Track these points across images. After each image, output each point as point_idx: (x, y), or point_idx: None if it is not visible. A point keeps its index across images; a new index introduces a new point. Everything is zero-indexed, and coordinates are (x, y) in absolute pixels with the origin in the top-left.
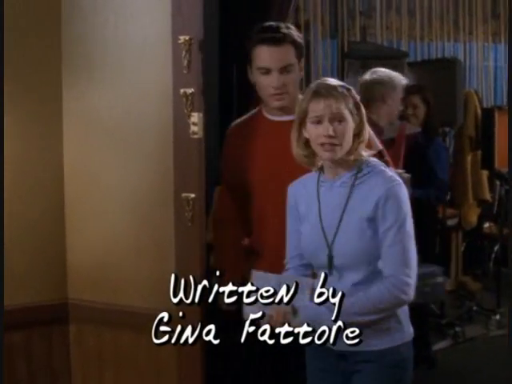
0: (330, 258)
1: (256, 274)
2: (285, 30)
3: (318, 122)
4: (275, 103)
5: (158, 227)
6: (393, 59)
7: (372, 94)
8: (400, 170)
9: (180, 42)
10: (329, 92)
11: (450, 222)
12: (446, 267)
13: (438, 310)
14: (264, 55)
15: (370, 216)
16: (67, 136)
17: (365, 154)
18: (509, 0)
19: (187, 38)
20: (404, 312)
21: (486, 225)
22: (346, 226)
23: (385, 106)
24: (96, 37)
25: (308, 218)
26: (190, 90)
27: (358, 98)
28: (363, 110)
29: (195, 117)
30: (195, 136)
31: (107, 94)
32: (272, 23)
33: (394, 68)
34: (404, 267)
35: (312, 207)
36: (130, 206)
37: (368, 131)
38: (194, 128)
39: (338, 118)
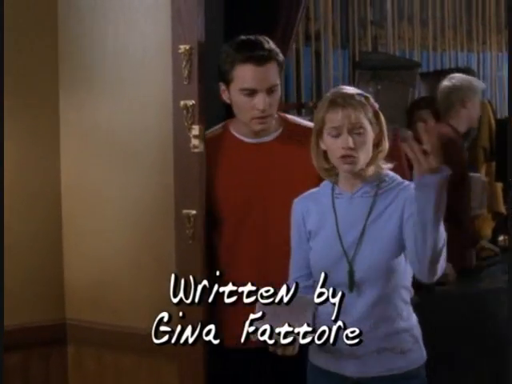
0: (351, 273)
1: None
2: (267, 46)
3: (337, 133)
4: (258, 127)
5: (159, 244)
6: (405, 69)
7: (451, 100)
8: (478, 174)
9: (180, 51)
10: (346, 101)
11: None
12: None
13: None
14: (249, 75)
15: (397, 223)
16: (64, 149)
17: (384, 166)
18: (508, 10)
19: (187, 47)
20: (419, 333)
21: (501, 238)
22: (370, 237)
23: (465, 111)
24: (94, 47)
25: (321, 232)
26: (190, 102)
27: (376, 106)
28: (383, 119)
29: (196, 130)
30: (196, 150)
31: (106, 106)
32: (251, 37)
33: (406, 78)
34: None
35: (326, 221)
36: (129, 222)
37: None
38: (194, 141)
39: (357, 129)
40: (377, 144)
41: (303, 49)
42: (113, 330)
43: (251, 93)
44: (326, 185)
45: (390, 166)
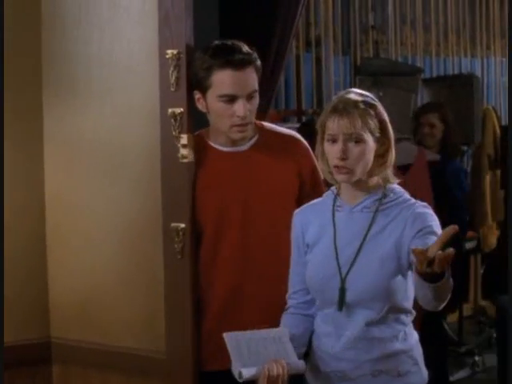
0: (343, 291)
1: (227, 336)
2: (245, 50)
3: (333, 140)
4: (238, 135)
5: (147, 260)
6: (407, 75)
7: None
8: None
9: (167, 56)
10: (346, 109)
11: (469, 245)
12: (464, 291)
13: (456, 338)
14: (228, 81)
15: (396, 243)
16: (48, 160)
17: (393, 180)
18: (509, 15)
19: (175, 52)
20: (419, 354)
21: None
22: (366, 255)
23: None
24: (79, 54)
25: (318, 245)
26: (178, 110)
27: (384, 115)
28: (390, 129)
29: (184, 139)
30: (185, 160)
31: (91, 115)
32: (226, 42)
33: (408, 85)
34: None
35: (325, 233)
36: (116, 236)
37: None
38: (183, 151)
39: (353, 139)
40: (382, 155)
41: (304, 55)
42: (100, 348)
43: (231, 99)
44: (328, 195)
45: (397, 180)
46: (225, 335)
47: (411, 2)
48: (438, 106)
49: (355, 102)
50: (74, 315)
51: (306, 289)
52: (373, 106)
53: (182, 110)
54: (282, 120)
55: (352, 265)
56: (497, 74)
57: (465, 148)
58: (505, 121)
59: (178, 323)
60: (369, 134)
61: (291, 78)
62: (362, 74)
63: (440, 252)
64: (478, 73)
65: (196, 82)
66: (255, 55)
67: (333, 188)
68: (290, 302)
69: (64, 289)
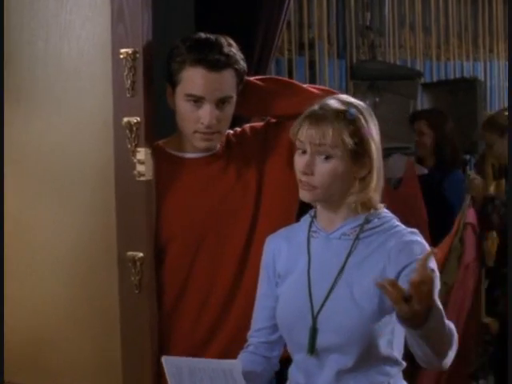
0: (314, 331)
1: (166, 360)
2: (226, 50)
3: (303, 151)
4: (202, 144)
5: (103, 294)
6: (405, 80)
7: None
8: None
9: (121, 56)
10: (318, 118)
11: None
12: None
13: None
14: (199, 81)
15: (377, 279)
16: None
17: (380, 205)
18: (508, 16)
19: (130, 51)
20: None
21: None
22: (341, 291)
23: None
24: (22, 54)
25: (291, 277)
26: (134, 119)
27: (367, 131)
28: (373, 149)
29: (142, 153)
30: (142, 178)
31: (36, 126)
32: (210, 37)
33: (406, 90)
34: None
35: (298, 262)
36: (66, 267)
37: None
38: (140, 168)
39: (323, 153)
40: (363, 178)
41: (296, 58)
42: None
43: (198, 101)
44: (305, 219)
45: (383, 205)
46: (163, 359)
47: (410, 2)
48: (427, 112)
49: (331, 111)
50: (21, 356)
51: (271, 327)
52: (354, 121)
53: (138, 119)
54: None
55: (325, 302)
56: (500, 78)
57: (467, 157)
58: None
59: (136, 366)
60: (343, 152)
61: None
62: (357, 78)
63: (414, 278)
64: (481, 77)
65: (168, 74)
66: (236, 58)
67: (311, 211)
68: (250, 341)
69: (9, 327)
